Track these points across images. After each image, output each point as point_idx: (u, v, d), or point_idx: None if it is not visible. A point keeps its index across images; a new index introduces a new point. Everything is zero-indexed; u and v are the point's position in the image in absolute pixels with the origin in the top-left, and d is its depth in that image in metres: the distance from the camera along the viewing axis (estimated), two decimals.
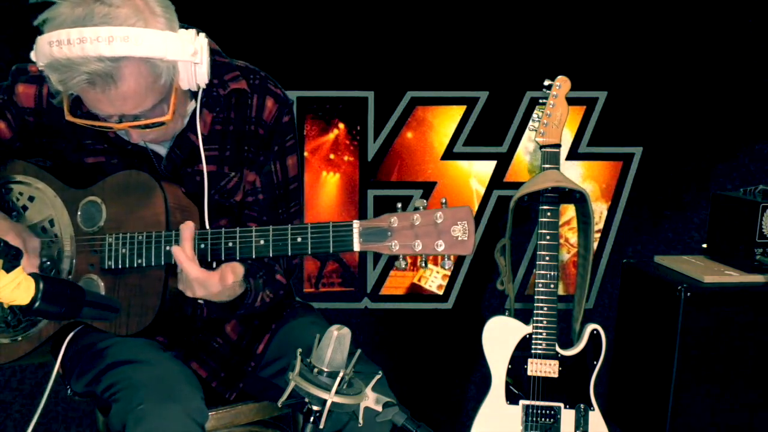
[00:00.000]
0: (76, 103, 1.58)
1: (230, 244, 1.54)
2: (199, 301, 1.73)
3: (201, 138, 1.66)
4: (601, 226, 2.97)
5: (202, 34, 1.55)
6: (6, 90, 1.71)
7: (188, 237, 1.53)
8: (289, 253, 1.51)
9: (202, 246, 1.56)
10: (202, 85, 1.59)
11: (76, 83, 1.43)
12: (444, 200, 1.43)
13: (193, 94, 1.65)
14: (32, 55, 1.50)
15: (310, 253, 1.50)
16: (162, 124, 1.55)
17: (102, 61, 1.40)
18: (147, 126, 1.54)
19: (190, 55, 1.50)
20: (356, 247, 1.45)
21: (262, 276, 1.70)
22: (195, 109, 1.66)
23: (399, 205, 1.46)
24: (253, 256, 1.53)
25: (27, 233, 1.68)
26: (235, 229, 1.54)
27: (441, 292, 3.00)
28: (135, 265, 1.61)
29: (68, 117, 1.54)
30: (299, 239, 1.49)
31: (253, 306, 1.68)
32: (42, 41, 1.43)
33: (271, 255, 1.53)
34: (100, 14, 1.41)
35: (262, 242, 1.53)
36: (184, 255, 1.53)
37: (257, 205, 1.76)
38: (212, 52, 1.61)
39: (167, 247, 1.58)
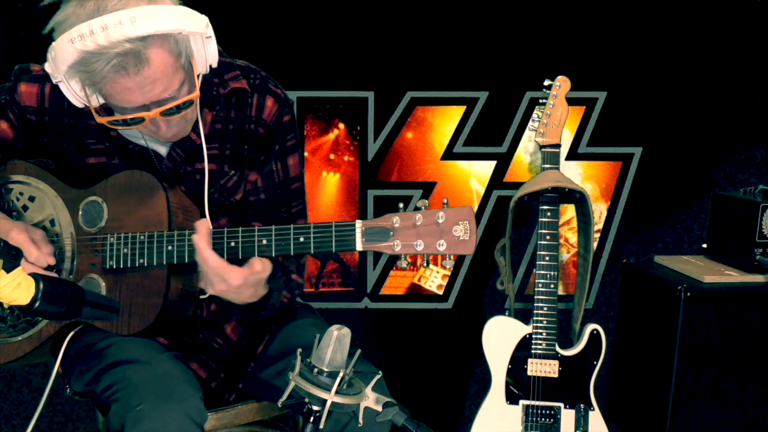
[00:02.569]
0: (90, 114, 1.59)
1: (233, 244, 1.54)
2: (202, 296, 1.74)
3: (203, 137, 1.67)
4: (600, 226, 2.97)
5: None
6: (8, 90, 1.71)
7: (204, 231, 1.51)
8: (292, 253, 1.50)
9: None
10: (214, 65, 1.59)
11: (108, 70, 1.42)
12: (446, 200, 1.44)
13: None
14: (47, 66, 1.49)
15: (312, 252, 1.50)
16: (190, 103, 1.54)
17: (131, 41, 1.40)
18: (178, 108, 1.52)
19: (204, 27, 1.52)
20: (359, 247, 1.45)
21: (281, 277, 1.70)
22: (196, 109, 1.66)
23: (401, 205, 1.47)
24: (256, 256, 1.53)
25: (29, 227, 1.68)
26: (238, 229, 1.54)
27: (441, 292, 3.00)
28: (137, 264, 1.61)
29: (99, 119, 1.54)
30: (302, 239, 1.49)
31: (275, 307, 1.68)
32: (61, 43, 1.43)
33: (273, 254, 1.53)
34: (113, 2, 1.42)
35: (264, 242, 1.52)
36: (204, 242, 1.49)
37: (259, 204, 1.76)
38: None
39: (169, 247, 1.59)
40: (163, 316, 1.63)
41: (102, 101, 1.56)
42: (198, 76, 1.59)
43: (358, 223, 1.46)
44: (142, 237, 1.61)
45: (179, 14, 1.46)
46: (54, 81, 1.52)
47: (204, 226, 1.52)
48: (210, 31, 1.54)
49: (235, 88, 1.70)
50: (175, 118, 1.56)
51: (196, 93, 1.54)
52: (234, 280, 1.51)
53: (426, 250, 1.43)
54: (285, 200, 1.79)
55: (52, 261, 1.66)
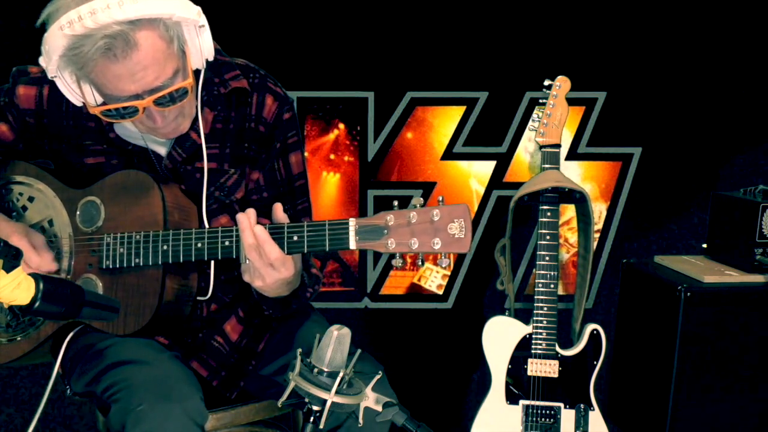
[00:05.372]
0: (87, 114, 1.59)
1: (227, 243, 1.54)
2: (201, 298, 1.74)
3: (203, 137, 1.67)
4: (600, 226, 2.97)
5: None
6: (7, 92, 1.71)
7: (254, 221, 1.48)
8: (286, 252, 1.50)
9: (199, 245, 1.56)
10: (210, 57, 1.59)
11: (95, 52, 1.42)
12: (441, 198, 1.42)
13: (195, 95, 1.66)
14: (42, 60, 1.50)
15: (306, 251, 1.48)
16: (185, 92, 1.54)
17: (118, 24, 1.41)
18: (172, 97, 1.52)
19: (195, 14, 1.51)
20: (352, 245, 1.44)
21: (303, 271, 1.69)
22: (196, 108, 1.66)
23: (395, 203, 1.45)
24: None
25: (30, 231, 1.68)
26: (232, 228, 1.54)
27: (441, 292, 3.00)
28: (132, 264, 1.61)
29: (92, 110, 1.53)
30: (295, 237, 1.49)
31: (300, 302, 1.69)
32: (52, 31, 1.43)
33: None
34: None
35: None
36: (266, 234, 1.46)
37: (262, 203, 1.76)
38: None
39: (164, 247, 1.58)
40: (159, 315, 1.63)
41: (99, 98, 1.56)
42: (196, 71, 1.59)
43: (352, 221, 1.44)
44: (138, 236, 1.61)
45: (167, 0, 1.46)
46: (49, 76, 1.53)
47: (248, 220, 1.48)
48: (203, 20, 1.54)
49: (236, 88, 1.70)
50: (170, 110, 1.55)
51: (190, 80, 1.54)
52: (290, 271, 1.50)
53: (421, 249, 1.41)
54: (288, 198, 1.78)
55: (54, 267, 1.66)
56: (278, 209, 1.52)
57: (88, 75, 1.48)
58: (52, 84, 1.59)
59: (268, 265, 1.49)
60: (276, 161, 1.76)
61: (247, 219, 1.47)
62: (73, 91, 1.56)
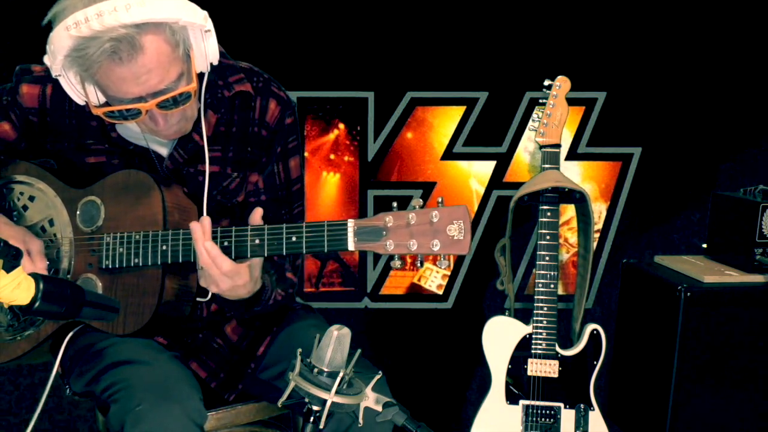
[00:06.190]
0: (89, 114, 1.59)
1: (225, 244, 1.54)
2: (201, 299, 1.74)
3: (206, 139, 1.67)
4: (600, 226, 2.97)
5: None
6: (10, 91, 1.71)
7: (206, 235, 1.50)
8: (284, 253, 1.50)
9: None
10: (215, 62, 1.59)
11: (101, 55, 1.42)
12: (440, 199, 1.42)
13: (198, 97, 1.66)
14: (46, 58, 1.51)
15: (304, 252, 1.49)
16: (188, 96, 1.54)
17: (125, 27, 1.41)
18: (175, 100, 1.52)
19: (202, 19, 1.52)
20: (351, 247, 1.44)
21: (273, 274, 1.70)
22: (199, 110, 1.66)
23: (395, 204, 1.45)
24: (248, 256, 1.53)
25: (29, 236, 1.68)
26: (231, 228, 1.54)
27: (441, 292, 3.00)
28: (132, 264, 1.61)
29: (95, 111, 1.54)
30: (294, 238, 1.49)
31: (268, 304, 1.68)
32: (58, 31, 1.44)
33: (266, 254, 1.52)
34: None
35: (257, 241, 1.52)
36: (217, 249, 1.49)
37: (260, 206, 1.76)
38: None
39: (163, 247, 1.58)
40: (158, 315, 1.63)
41: (102, 98, 1.56)
42: (200, 74, 1.59)
43: (351, 223, 1.44)
44: (137, 236, 1.61)
45: (176, 4, 1.46)
46: (53, 74, 1.53)
47: (200, 231, 1.50)
48: (209, 25, 1.54)
49: (240, 92, 1.70)
50: (173, 113, 1.55)
51: (194, 85, 1.54)
52: (241, 279, 1.52)
53: (420, 250, 1.41)
54: (286, 202, 1.79)
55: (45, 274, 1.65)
56: (257, 213, 1.53)
57: (92, 76, 1.49)
58: (56, 83, 1.59)
59: (222, 275, 1.50)
60: (276, 165, 1.76)
61: (200, 229, 1.49)
62: (77, 90, 1.57)
